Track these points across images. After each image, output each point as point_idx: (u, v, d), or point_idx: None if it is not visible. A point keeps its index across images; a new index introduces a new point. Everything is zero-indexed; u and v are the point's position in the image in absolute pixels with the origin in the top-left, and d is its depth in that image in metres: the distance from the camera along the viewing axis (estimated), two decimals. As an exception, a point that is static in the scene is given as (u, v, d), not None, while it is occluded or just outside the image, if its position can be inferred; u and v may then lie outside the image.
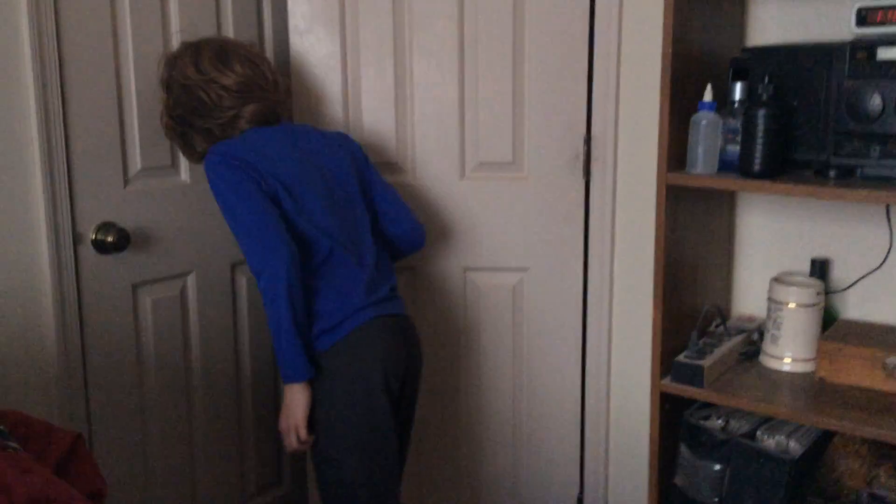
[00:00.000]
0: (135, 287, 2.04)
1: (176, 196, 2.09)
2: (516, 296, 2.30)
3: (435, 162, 2.24)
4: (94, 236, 1.94)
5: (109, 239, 1.94)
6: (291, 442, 1.77)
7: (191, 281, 2.17)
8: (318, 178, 1.83)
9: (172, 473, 2.19)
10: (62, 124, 1.84)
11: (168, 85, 1.89)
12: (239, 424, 2.35)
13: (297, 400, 1.74)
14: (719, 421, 1.88)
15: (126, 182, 2.00)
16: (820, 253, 2.00)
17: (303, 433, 1.75)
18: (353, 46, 2.19)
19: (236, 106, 1.83)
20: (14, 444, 1.30)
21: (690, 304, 1.96)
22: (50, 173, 1.82)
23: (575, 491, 2.38)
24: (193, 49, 1.87)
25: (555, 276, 2.27)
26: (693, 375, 1.81)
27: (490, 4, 2.15)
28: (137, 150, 2.01)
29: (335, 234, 1.80)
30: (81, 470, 1.38)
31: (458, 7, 2.16)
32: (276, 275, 1.67)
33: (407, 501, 2.46)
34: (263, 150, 1.78)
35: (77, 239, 1.90)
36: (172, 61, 1.88)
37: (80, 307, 1.92)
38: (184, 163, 2.11)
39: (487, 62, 2.18)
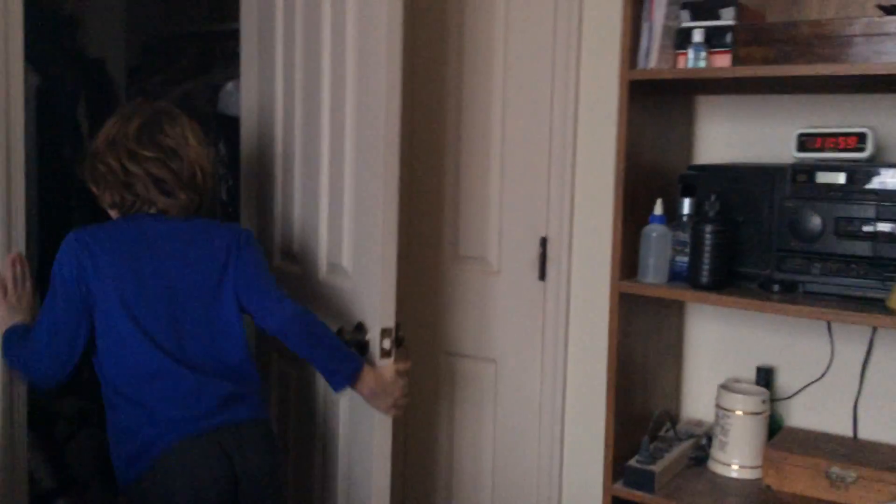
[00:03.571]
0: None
1: None
2: (487, 386, 2.38)
3: (427, 250, 2.44)
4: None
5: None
6: None
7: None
8: (160, 287, 1.70)
9: None
10: None
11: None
12: None
13: None
14: (670, 526, 1.90)
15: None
16: (765, 361, 2.06)
17: None
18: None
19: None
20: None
21: (641, 407, 1.99)
22: None
23: None
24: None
25: (519, 372, 2.32)
26: (645, 480, 1.84)
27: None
28: None
29: (159, 340, 1.67)
30: None
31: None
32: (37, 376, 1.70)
33: None
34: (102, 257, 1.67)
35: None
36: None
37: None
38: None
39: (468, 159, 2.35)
